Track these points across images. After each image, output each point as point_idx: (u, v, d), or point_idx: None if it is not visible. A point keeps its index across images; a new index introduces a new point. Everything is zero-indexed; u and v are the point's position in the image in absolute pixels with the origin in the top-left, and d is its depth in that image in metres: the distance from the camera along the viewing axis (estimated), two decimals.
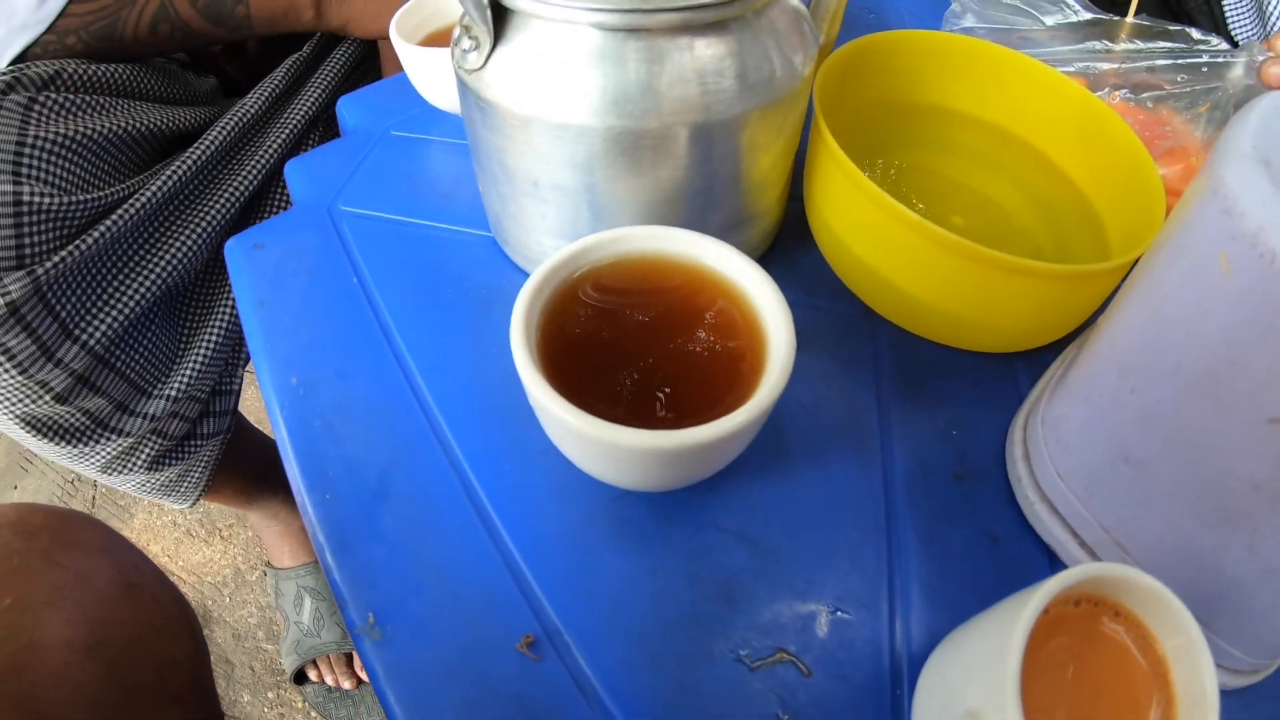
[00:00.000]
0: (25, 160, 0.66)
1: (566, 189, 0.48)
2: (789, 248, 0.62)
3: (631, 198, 0.48)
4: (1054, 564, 0.46)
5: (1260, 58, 0.68)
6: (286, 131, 0.88)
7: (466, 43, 0.47)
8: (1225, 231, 0.32)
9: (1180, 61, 0.72)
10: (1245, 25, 1.05)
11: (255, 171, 0.85)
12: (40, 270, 0.65)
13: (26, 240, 0.65)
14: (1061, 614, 0.35)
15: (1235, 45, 1.06)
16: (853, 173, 0.49)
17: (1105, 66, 0.73)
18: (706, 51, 0.44)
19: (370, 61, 0.99)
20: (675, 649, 0.42)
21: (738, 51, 0.45)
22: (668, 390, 0.40)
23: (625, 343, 0.42)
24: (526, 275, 0.58)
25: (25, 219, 0.65)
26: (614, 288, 0.44)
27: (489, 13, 0.45)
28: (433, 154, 0.71)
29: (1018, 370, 0.56)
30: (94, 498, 1.51)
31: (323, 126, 0.95)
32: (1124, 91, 0.71)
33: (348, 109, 0.79)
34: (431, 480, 0.49)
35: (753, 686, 0.41)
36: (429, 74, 0.68)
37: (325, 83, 0.93)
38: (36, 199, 0.65)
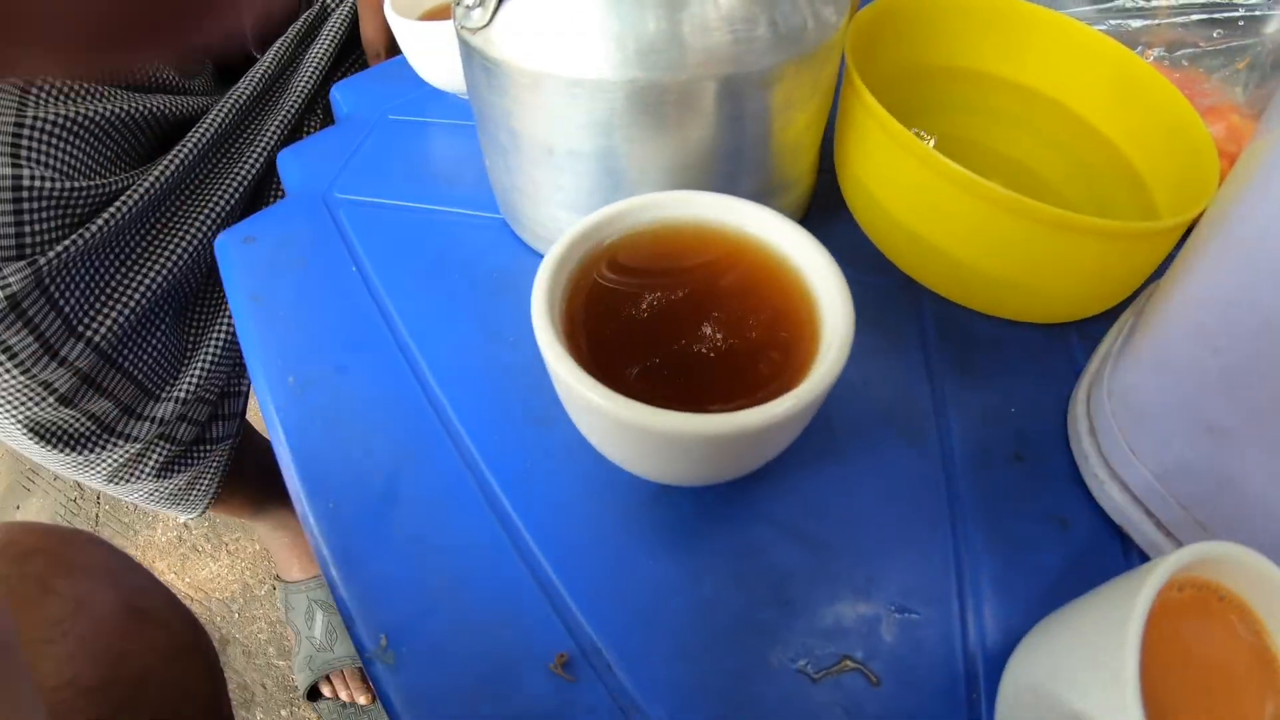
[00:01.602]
0: (25, 142, 0.62)
1: (583, 155, 0.43)
2: (822, 219, 0.57)
3: (655, 163, 0.43)
4: (1127, 548, 0.42)
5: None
6: (282, 115, 0.83)
7: (466, 2, 0.42)
8: None
9: (1216, 16, 0.67)
10: None
11: (254, 160, 0.81)
12: (42, 260, 0.62)
13: (27, 228, 0.61)
14: (1167, 601, 0.31)
15: None
16: (895, 129, 0.44)
17: (1137, 24, 0.69)
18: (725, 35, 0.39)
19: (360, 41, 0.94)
20: (727, 662, 0.37)
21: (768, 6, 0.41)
22: (710, 372, 0.36)
23: (660, 320, 0.37)
24: (540, 256, 0.54)
25: (25, 204, 0.61)
26: (645, 259, 0.39)
27: None
28: (433, 136, 0.67)
29: (1072, 342, 0.51)
30: (97, 515, 1.47)
31: (321, 111, 0.91)
32: (1158, 50, 0.67)
33: (343, 95, 0.74)
34: (445, 483, 0.44)
35: (816, 700, 0.36)
36: (428, 51, 0.64)
37: (317, 61, 0.88)
38: (37, 183, 0.61)
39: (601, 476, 0.43)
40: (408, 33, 0.64)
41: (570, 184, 0.45)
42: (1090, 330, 0.51)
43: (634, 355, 0.36)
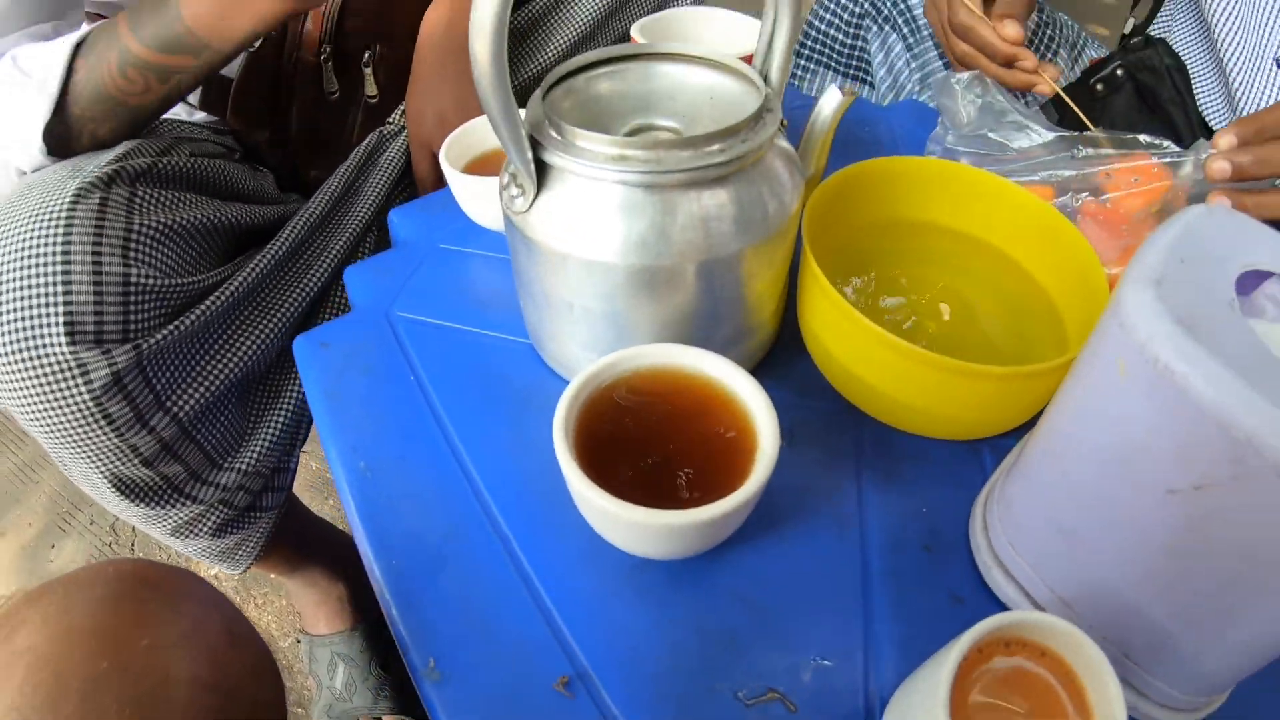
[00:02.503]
0: (132, 245, 0.76)
1: (595, 312, 0.58)
2: (787, 355, 0.72)
3: (648, 320, 0.58)
4: None
5: (1203, 155, 0.77)
6: (346, 236, 1.00)
7: (514, 190, 0.58)
8: (1122, 342, 0.42)
9: (1135, 165, 0.81)
10: (1218, 114, 1.16)
11: (321, 270, 0.97)
12: (144, 345, 0.76)
13: (133, 317, 0.76)
14: (993, 654, 0.44)
15: (1210, 134, 1.17)
16: (835, 299, 0.59)
17: (1068, 173, 0.83)
18: (710, 201, 0.55)
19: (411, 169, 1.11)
20: (685, 688, 0.51)
21: (736, 199, 0.56)
22: (680, 476, 0.51)
23: (645, 438, 0.52)
24: (560, 378, 0.68)
25: (133, 298, 0.75)
26: (636, 395, 0.54)
27: (533, 168, 0.56)
28: (476, 266, 0.82)
29: (984, 454, 0.65)
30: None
31: (377, 230, 1.07)
32: (1085, 194, 0.81)
33: (399, 219, 0.90)
34: (481, 549, 0.59)
35: (747, 718, 0.50)
36: (475, 198, 0.79)
37: (375, 189, 1.05)
38: (143, 280, 0.76)
39: (599, 549, 0.57)
40: (459, 182, 0.79)
41: (585, 331, 0.60)
42: (1002, 445, 0.66)
43: (625, 462, 0.51)
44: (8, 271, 0.72)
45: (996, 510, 0.57)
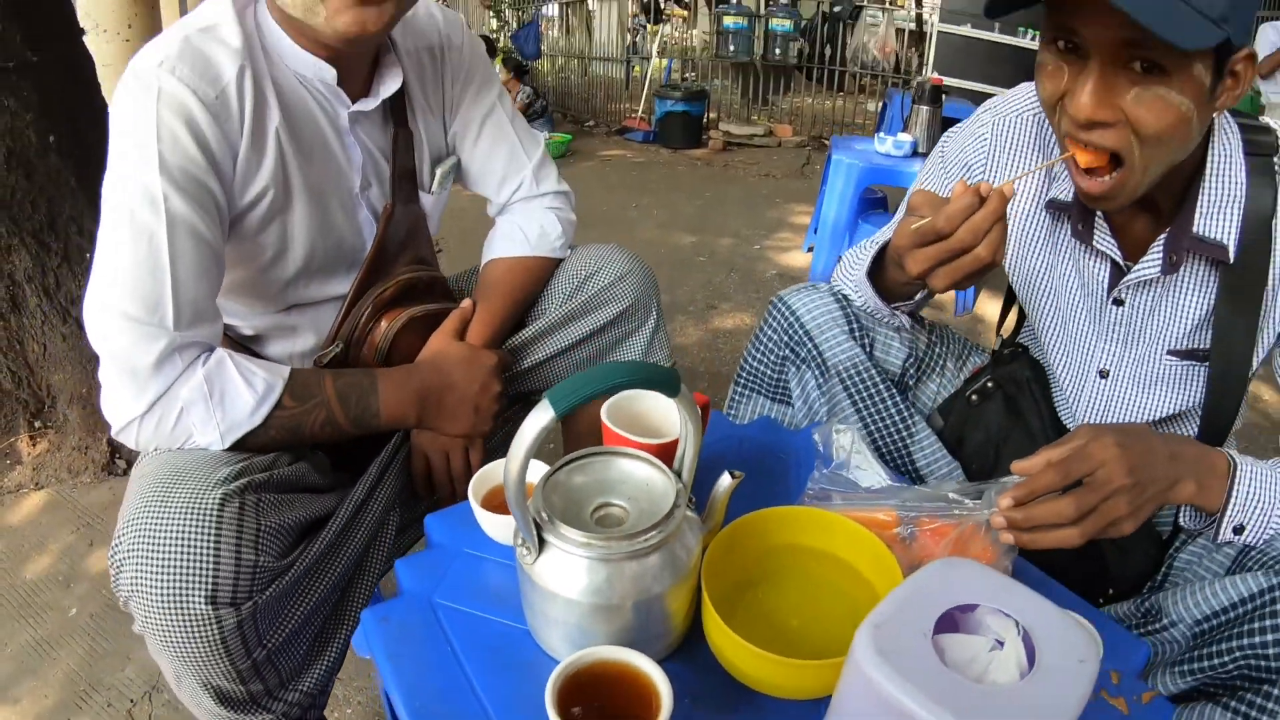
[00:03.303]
0: (260, 540, 1.15)
1: (570, 624, 0.96)
2: (693, 644, 1.08)
3: (602, 631, 0.96)
4: None
5: (987, 511, 1.14)
6: (378, 510, 1.42)
7: (524, 550, 0.96)
8: (854, 657, 0.80)
9: (938, 505, 1.20)
10: (1071, 414, 1.56)
11: (364, 540, 1.38)
12: (258, 602, 1.15)
13: (255, 586, 1.15)
14: None
15: (1063, 433, 1.56)
16: (718, 623, 0.96)
17: (911, 512, 1.22)
18: (643, 564, 0.94)
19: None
20: None
21: (659, 561, 0.95)
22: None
23: (591, 704, 0.89)
24: (549, 656, 1.05)
25: (256, 575, 1.14)
26: (586, 678, 0.91)
27: (537, 541, 0.95)
28: (492, 569, 1.20)
29: (821, 708, 1.01)
30: None
31: (399, 508, 1.48)
32: (911, 529, 1.20)
33: (434, 526, 1.29)
34: None
35: None
36: (495, 528, 1.18)
37: (397, 479, 1.48)
38: (264, 562, 1.15)
39: None
40: (484, 517, 1.18)
41: (564, 633, 0.98)
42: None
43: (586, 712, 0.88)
44: (163, 551, 1.09)
45: None
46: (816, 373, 1.56)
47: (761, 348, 1.63)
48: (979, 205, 1.09)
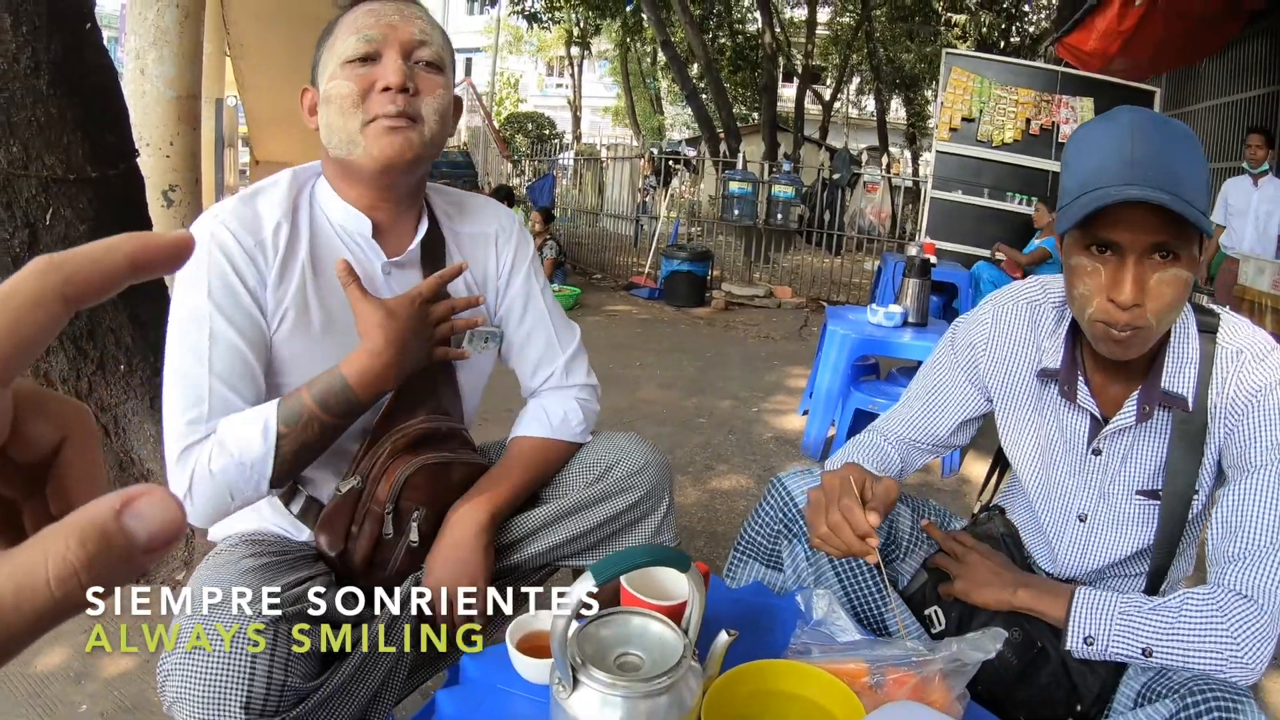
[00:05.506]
0: (290, 665, 1.37)
1: None
2: None
3: None
4: None
5: (943, 664, 1.37)
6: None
7: (560, 689, 1.18)
8: None
9: (901, 656, 1.42)
10: (1043, 561, 1.82)
11: (381, 670, 1.57)
12: (288, 717, 1.35)
13: (284, 704, 1.36)
14: None
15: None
16: None
17: (878, 663, 1.44)
18: (655, 703, 1.16)
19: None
20: None
21: (668, 700, 1.17)
22: None
23: None
24: None
25: (285, 693, 1.36)
26: None
27: (571, 681, 1.17)
28: (520, 703, 1.41)
29: None
30: None
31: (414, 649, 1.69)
32: (879, 678, 1.41)
33: (470, 664, 1.50)
34: None
35: None
36: (530, 671, 1.40)
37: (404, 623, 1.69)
38: (293, 684, 1.37)
39: None
40: (520, 661, 1.40)
41: None
42: None
43: None
44: (206, 665, 1.31)
45: None
46: (806, 547, 1.81)
47: (759, 521, 1.88)
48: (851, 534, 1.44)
